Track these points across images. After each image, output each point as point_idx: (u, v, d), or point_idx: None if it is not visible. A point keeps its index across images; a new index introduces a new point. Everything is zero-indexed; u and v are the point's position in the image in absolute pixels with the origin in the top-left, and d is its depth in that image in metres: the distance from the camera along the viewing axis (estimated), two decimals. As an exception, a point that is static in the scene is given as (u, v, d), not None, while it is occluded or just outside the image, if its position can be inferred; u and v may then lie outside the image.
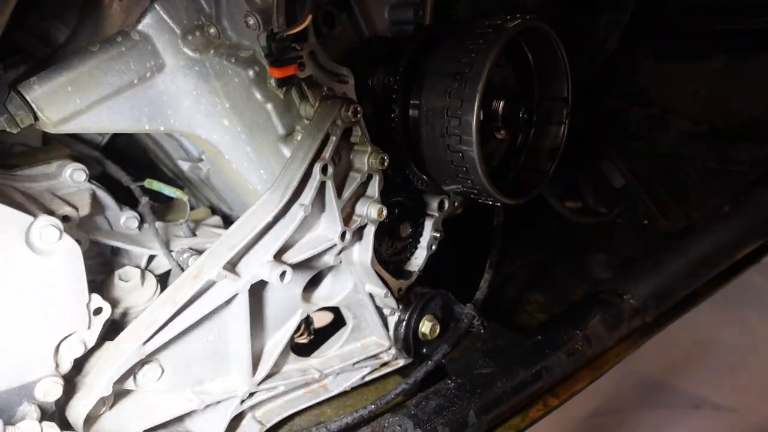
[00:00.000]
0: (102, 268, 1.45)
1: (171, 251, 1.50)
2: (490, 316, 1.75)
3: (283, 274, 1.15)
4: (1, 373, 1.04)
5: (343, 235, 1.27)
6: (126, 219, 1.55)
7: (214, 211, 1.91)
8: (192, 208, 1.94)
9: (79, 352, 1.14)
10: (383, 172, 1.32)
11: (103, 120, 1.25)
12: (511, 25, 1.29)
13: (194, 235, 1.66)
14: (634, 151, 2.02)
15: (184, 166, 1.77)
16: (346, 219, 1.29)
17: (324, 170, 1.18)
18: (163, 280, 1.50)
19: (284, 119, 1.32)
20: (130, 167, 1.73)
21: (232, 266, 1.18)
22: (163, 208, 1.84)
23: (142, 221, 1.59)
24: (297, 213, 1.17)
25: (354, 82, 1.28)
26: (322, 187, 1.20)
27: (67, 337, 1.12)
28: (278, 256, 1.20)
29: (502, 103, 1.38)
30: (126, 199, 1.62)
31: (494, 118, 1.39)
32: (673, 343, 2.75)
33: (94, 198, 1.47)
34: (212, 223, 1.77)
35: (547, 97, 1.58)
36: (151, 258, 1.52)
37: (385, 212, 1.31)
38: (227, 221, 1.89)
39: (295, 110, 1.33)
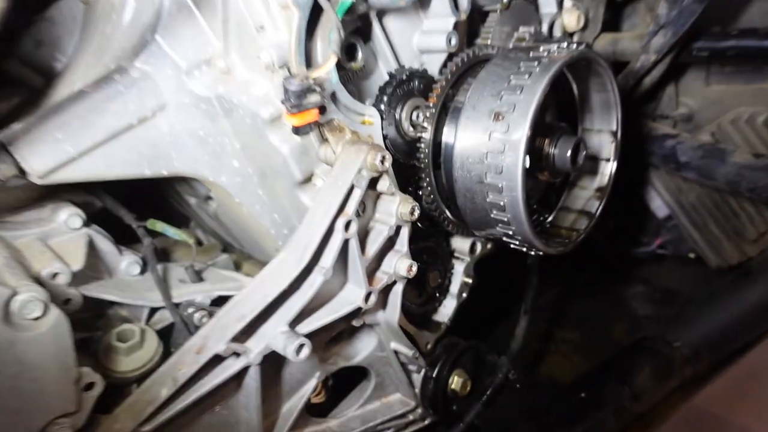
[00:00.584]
0: (96, 323, 1.31)
1: (176, 304, 1.36)
2: (521, 359, 1.59)
3: (300, 347, 1.00)
4: (-22, 470, 0.90)
5: (367, 297, 1.11)
6: (127, 265, 1.41)
7: (224, 245, 1.78)
8: (200, 244, 1.81)
9: (68, 436, 1.00)
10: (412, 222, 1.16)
11: (98, 167, 1.11)
12: (560, 57, 1.12)
13: (201, 279, 1.52)
14: (681, 180, 1.85)
15: (191, 200, 1.63)
16: (371, 277, 1.14)
17: (347, 227, 1.03)
18: (166, 334, 1.36)
19: (302, 164, 1.17)
20: (133, 198, 1.60)
21: (241, 336, 1.03)
22: (168, 243, 1.71)
23: (144, 264, 1.45)
24: (316, 278, 1.02)
25: (380, 123, 1.13)
26: (344, 244, 1.05)
27: (51, 421, 0.98)
28: (294, 324, 1.05)
29: (546, 142, 1.21)
30: (125, 234, 1.49)
31: (537, 158, 1.22)
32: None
33: (91, 245, 1.34)
34: (221, 265, 1.63)
35: (592, 130, 1.42)
36: (153, 310, 1.38)
37: (415, 269, 1.16)
38: (239, 253, 1.75)
39: (314, 153, 1.18)
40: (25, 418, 0.93)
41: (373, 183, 1.10)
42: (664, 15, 1.41)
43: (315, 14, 1.00)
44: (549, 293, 2.23)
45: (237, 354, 1.05)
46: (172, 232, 1.46)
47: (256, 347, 1.04)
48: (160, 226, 1.47)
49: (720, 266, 1.90)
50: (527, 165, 1.09)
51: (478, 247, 1.49)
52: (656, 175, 1.94)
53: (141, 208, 1.60)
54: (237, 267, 1.71)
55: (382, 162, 1.03)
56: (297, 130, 1.02)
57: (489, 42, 1.38)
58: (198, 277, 1.50)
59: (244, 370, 1.07)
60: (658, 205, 2.00)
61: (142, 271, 1.44)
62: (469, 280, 1.47)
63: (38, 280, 1.06)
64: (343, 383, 1.48)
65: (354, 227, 1.04)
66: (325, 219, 1.01)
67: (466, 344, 1.47)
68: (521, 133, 1.07)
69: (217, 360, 1.03)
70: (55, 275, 1.14)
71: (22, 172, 1.02)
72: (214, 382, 1.04)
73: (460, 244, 1.47)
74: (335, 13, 0.91)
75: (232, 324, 1.00)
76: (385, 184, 1.10)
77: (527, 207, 1.12)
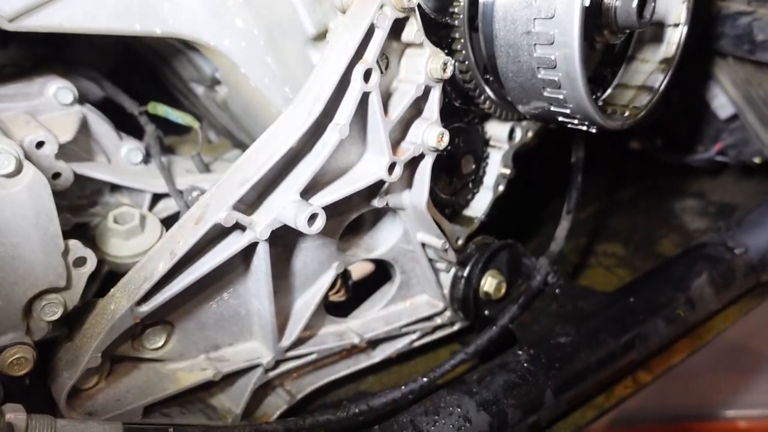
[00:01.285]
0: (94, 209, 1.20)
1: (180, 191, 1.23)
2: (561, 266, 1.43)
3: (312, 217, 0.86)
4: (-46, 340, 0.81)
5: (391, 168, 0.95)
6: (128, 151, 1.29)
7: (236, 144, 1.64)
8: (210, 143, 1.68)
9: (57, 314, 0.90)
10: (444, 84, 0.99)
11: (77, 15, 0.96)
12: None
13: (208, 170, 1.39)
14: (752, 69, 1.60)
15: (199, 90, 1.48)
16: (395, 147, 0.98)
17: (366, 76, 0.86)
18: (170, 223, 1.25)
19: (314, 14, 1.00)
20: (136, 95, 1.45)
21: (246, 207, 0.90)
22: (175, 141, 1.58)
23: (147, 156, 1.33)
24: (330, 136, 0.86)
25: (406, -42, 0.93)
26: (363, 100, 0.88)
27: (39, 294, 0.87)
28: (306, 195, 0.91)
29: (608, -11, 1.00)
30: (128, 128, 1.36)
31: (596, 13, 1.02)
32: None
33: (85, 125, 1.21)
34: (230, 157, 1.50)
35: (660, -13, 1.19)
36: (157, 199, 1.26)
37: (446, 138, 0.99)
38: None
39: (328, 2, 1.00)
40: (7, 288, 0.82)
41: (397, 31, 0.92)
42: None
43: None
44: (591, 207, 2.05)
45: (242, 229, 0.92)
46: (175, 115, 1.33)
47: (263, 220, 0.90)
48: (161, 109, 1.34)
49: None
50: (586, 3, 0.89)
51: (518, 134, 1.30)
52: (721, 67, 1.69)
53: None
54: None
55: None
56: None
57: None
58: (206, 167, 1.37)
59: (251, 249, 0.94)
60: (721, 103, 1.75)
61: (145, 161, 1.32)
62: (507, 171, 1.30)
63: (21, 147, 0.93)
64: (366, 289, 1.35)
65: (375, 78, 0.87)
66: (339, 64, 0.84)
67: (501, 243, 1.31)
68: (581, -38, 0.86)
69: (220, 233, 0.90)
70: (40, 144, 1.01)
71: (-11, 14, 0.87)
72: (217, 258, 0.91)
73: (498, 129, 1.29)
74: None
75: (235, 189, 0.86)
76: (412, 30, 0.91)
77: (584, 62, 0.93)
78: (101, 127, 1.25)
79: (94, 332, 0.91)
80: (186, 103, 1.61)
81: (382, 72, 0.92)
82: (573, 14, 0.89)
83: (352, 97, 0.85)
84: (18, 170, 0.81)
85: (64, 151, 1.08)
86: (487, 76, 1.15)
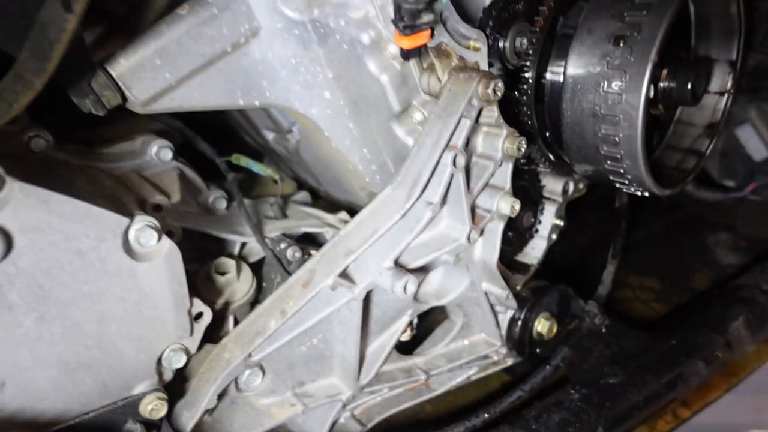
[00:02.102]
0: (192, 255, 1.33)
1: (266, 237, 1.36)
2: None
3: (407, 284, 0.98)
4: (104, 390, 0.94)
5: (470, 236, 1.07)
6: (214, 199, 1.42)
7: (299, 182, 1.76)
8: (275, 182, 1.80)
9: (182, 362, 1.03)
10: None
11: (194, 96, 1.08)
12: (693, -29, 1.00)
13: (285, 215, 1.51)
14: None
15: (269, 135, 1.60)
16: (471, 214, 1.10)
17: (455, 161, 0.98)
18: (256, 268, 1.38)
19: (400, 93, 1.11)
20: (207, 134, 1.58)
21: (345, 273, 1.02)
22: (246, 181, 1.71)
23: (229, 199, 1.46)
24: (424, 213, 0.98)
25: (487, 48, 1.05)
26: (450, 180, 1.00)
27: (169, 346, 1.01)
28: (398, 260, 1.03)
29: (664, 73, 1.11)
30: (205, 172, 1.48)
31: (653, 89, 1.12)
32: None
33: (181, 178, 1.34)
34: (300, 200, 1.62)
35: (707, 58, 1.30)
36: (243, 244, 1.39)
37: (518, 207, 1.11)
38: (314, 195, 1.74)
39: (413, 82, 1.12)
40: (147, 344, 0.96)
41: (479, 114, 1.03)
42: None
43: (427, -75, 0.91)
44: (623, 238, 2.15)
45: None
46: (258, 167, 1.45)
47: (361, 282, 1.02)
48: (244, 161, 1.46)
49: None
50: (651, 94, 1.00)
51: (571, 187, 1.42)
52: (757, 111, 1.79)
53: (212, 142, 1.60)
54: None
55: (495, 91, 0.96)
56: (406, 54, 0.95)
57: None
58: (283, 214, 1.49)
59: (346, 304, 1.07)
60: (756, 145, 1.85)
61: (227, 207, 1.45)
62: (560, 222, 1.42)
63: (143, 211, 1.06)
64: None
65: (462, 161, 0.99)
66: (434, 152, 0.96)
67: (553, 287, 1.43)
68: (647, 57, 0.98)
69: (322, 294, 1.03)
70: (158, 207, 1.14)
71: (124, 101, 1.00)
72: (319, 316, 1.04)
73: (553, 184, 1.41)
74: None
75: (340, 259, 0.98)
76: (492, 115, 1.03)
77: (645, 143, 1.04)
78: (193, 179, 1.38)
79: (211, 377, 1.05)
80: (250, 142, 1.74)
81: (465, 147, 1.04)
82: (638, 103, 1.00)
83: (443, 179, 0.97)
84: (158, 243, 0.94)
85: (173, 209, 1.21)
86: (547, 135, 1.26)
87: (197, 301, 1.03)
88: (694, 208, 2.23)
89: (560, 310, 1.47)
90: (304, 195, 1.65)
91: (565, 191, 1.41)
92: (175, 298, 0.98)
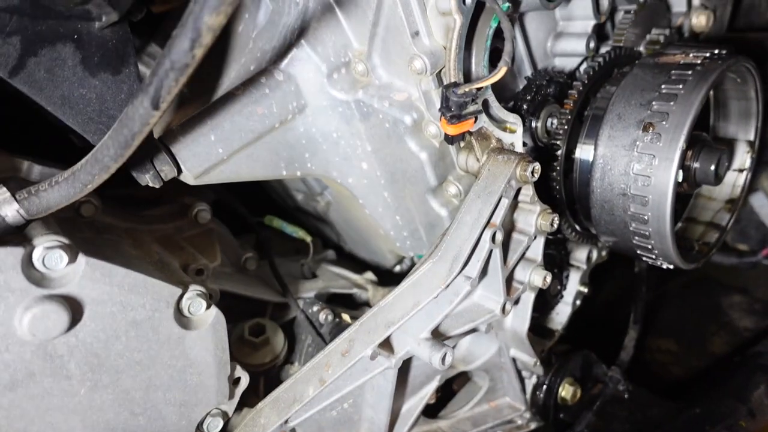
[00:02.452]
0: (226, 316, 1.36)
1: (298, 299, 1.39)
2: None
3: (444, 356, 1.01)
4: (147, 457, 0.96)
5: (504, 307, 1.11)
6: (246, 259, 1.46)
7: (323, 238, 1.80)
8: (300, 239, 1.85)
9: (219, 427, 1.05)
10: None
11: (242, 168, 1.14)
12: (715, 66, 1.07)
13: (314, 275, 1.55)
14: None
15: (299, 196, 1.66)
16: (507, 287, 1.13)
17: (494, 238, 1.02)
18: (286, 328, 1.40)
19: (438, 169, 1.17)
20: (234, 189, 1.64)
21: (384, 342, 1.05)
22: (273, 238, 1.75)
23: (260, 258, 1.50)
24: (462, 287, 1.02)
25: (522, 130, 1.11)
26: (488, 255, 1.04)
27: (209, 412, 1.02)
28: (434, 331, 1.06)
29: (690, 154, 1.17)
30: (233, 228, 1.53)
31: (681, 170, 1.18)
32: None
33: (218, 239, 1.38)
34: (329, 259, 1.66)
35: (725, 138, 1.36)
36: (275, 304, 1.42)
37: (549, 279, 1.14)
38: (337, 250, 1.78)
39: (450, 159, 1.18)
40: (189, 409, 0.98)
41: (516, 192, 1.08)
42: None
43: (472, 21, 0.99)
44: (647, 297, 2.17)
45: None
46: (290, 229, 1.50)
47: (398, 353, 1.05)
48: (277, 222, 1.51)
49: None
50: (679, 179, 1.05)
51: (594, 255, 1.46)
52: (770, 181, 1.84)
53: (242, 199, 1.65)
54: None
55: (533, 173, 1.02)
56: (451, 139, 1.01)
57: (621, 44, 1.33)
58: (312, 273, 1.53)
59: (381, 372, 1.09)
60: (769, 213, 1.90)
61: (258, 265, 1.49)
62: (584, 289, 1.45)
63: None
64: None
65: (500, 238, 1.03)
66: (474, 230, 1.00)
67: (577, 352, 1.45)
68: (675, 145, 1.03)
69: (360, 362, 1.05)
70: (199, 271, 1.18)
71: (179, 173, 1.05)
72: (356, 383, 1.06)
73: (577, 252, 1.45)
74: (509, 21, 0.89)
75: (380, 329, 1.01)
76: (528, 194, 1.08)
77: (673, 222, 1.09)
78: (228, 240, 1.43)
79: (248, 443, 1.06)
80: (277, 198, 1.79)
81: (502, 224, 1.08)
82: (667, 186, 1.05)
83: (482, 255, 1.01)
84: (207, 310, 0.97)
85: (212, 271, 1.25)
86: (575, 207, 1.30)
87: (236, 366, 1.06)
88: (707, 268, 2.26)
89: (583, 375, 1.48)
90: (331, 253, 1.69)
91: (589, 259, 1.45)
92: (218, 365, 1.00)
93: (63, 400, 0.86)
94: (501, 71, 0.89)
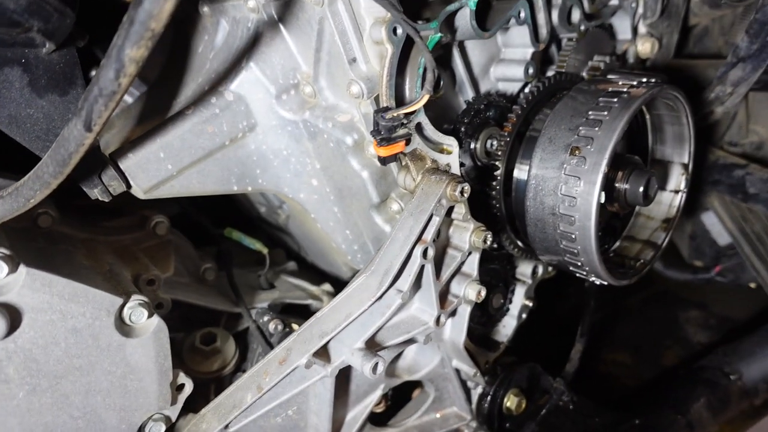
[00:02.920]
0: (179, 324, 1.41)
1: (251, 308, 1.44)
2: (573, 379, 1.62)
3: (375, 365, 1.06)
4: (87, 459, 1.00)
5: (438, 319, 1.16)
6: (205, 270, 1.51)
7: (288, 250, 1.86)
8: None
9: (162, 430, 1.09)
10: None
11: (192, 184, 1.20)
12: (639, 93, 1.14)
13: (272, 286, 1.60)
14: (747, 208, 1.82)
15: (262, 209, 1.71)
16: (441, 300, 1.19)
17: (425, 253, 1.08)
18: (240, 337, 1.45)
19: (379, 187, 1.22)
20: (204, 202, 1.69)
21: (321, 351, 1.10)
22: (237, 247, 1.80)
23: (219, 269, 1.55)
24: (394, 300, 1.07)
25: (458, 152, 1.17)
26: (420, 270, 1.10)
27: (150, 416, 1.07)
28: (370, 342, 1.11)
29: (619, 176, 1.23)
30: (197, 239, 1.58)
31: (609, 191, 1.24)
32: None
33: (176, 250, 1.43)
34: (289, 270, 1.71)
35: (663, 160, 1.43)
36: (230, 314, 1.47)
37: (483, 293, 1.20)
38: (301, 262, 1.83)
39: (392, 177, 1.23)
40: (130, 414, 1.02)
41: (449, 211, 1.14)
42: (744, 48, 1.40)
43: (405, 49, 1.05)
44: (600, 312, 2.23)
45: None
46: (248, 241, 1.55)
47: (333, 362, 1.10)
48: (236, 234, 1.57)
49: (782, 299, 1.86)
50: (602, 200, 1.11)
51: (540, 271, 1.51)
52: (720, 202, 1.91)
53: (206, 209, 1.71)
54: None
55: (462, 193, 1.08)
56: (383, 160, 1.07)
57: (564, 69, 1.40)
58: (269, 284, 1.58)
59: (319, 380, 1.14)
60: (719, 231, 1.97)
61: (217, 276, 1.54)
62: (530, 303, 1.50)
63: (137, 286, 1.15)
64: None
65: (431, 253, 1.09)
66: (405, 246, 1.06)
67: (522, 364, 1.50)
68: (598, 168, 1.09)
69: (298, 370, 1.10)
70: (151, 281, 1.23)
71: (128, 188, 1.11)
72: (293, 391, 1.11)
73: (523, 267, 1.50)
74: (430, 53, 0.95)
75: (315, 339, 1.06)
76: (460, 212, 1.14)
77: (598, 241, 1.15)
78: (187, 251, 1.48)
79: (189, 448, 1.11)
80: (244, 212, 1.85)
81: (434, 240, 1.14)
82: (590, 206, 1.11)
83: (413, 270, 1.07)
84: (148, 319, 1.02)
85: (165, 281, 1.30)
86: (518, 230, 1.36)
87: (179, 372, 1.10)
88: (667, 283, 2.33)
89: (530, 386, 1.53)
90: (292, 265, 1.74)
91: (534, 273, 1.50)
92: (160, 371, 1.05)
93: (1, 403, 0.91)
94: (423, 99, 0.95)
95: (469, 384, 1.46)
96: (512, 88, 1.35)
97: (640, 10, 1.54)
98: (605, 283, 1.30)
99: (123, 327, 1.00)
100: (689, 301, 2.24)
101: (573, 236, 1.16)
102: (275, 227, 1.77)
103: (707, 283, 2.07)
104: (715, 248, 2.04)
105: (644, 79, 1.20)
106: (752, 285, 1.97)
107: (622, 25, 1.55)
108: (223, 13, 1.27)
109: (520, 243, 1.38)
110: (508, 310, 1.50)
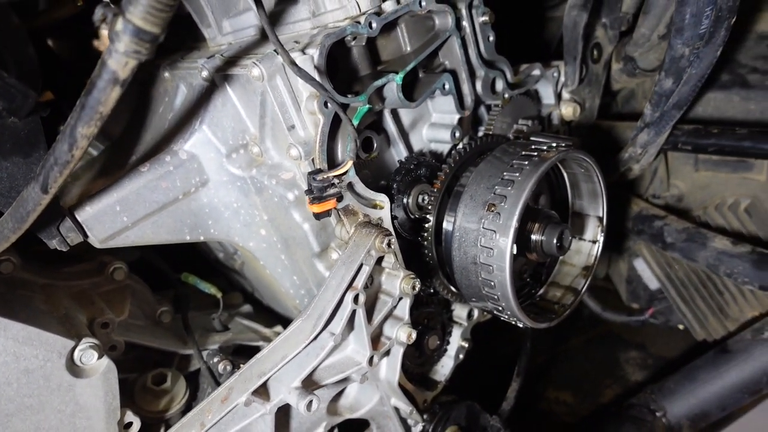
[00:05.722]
0: (133, 365, 1.49)
1: (203, 350, 1.53)
2: (515, 415, 1.71)
3: (310, 403, 1.16)
4: (32, 495, 1.07)
5: (371, 360, 1.27)
6: (161, 312, 1.59)
7: (245, 294, 1.95)
8: (223, 291, 1.99)
9: (107, 469, 1.16)
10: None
11: (146, 234, 1.31)
12: (548, 156, 1.30)
13: (227, 328, 1.69)
14: (670, 257, 1.98)
15: (219, 254, 1.82)
16: (375, 341, 1.30)
17: (356, 300, 1.19)
18: (192, 378, 1.53)
19: (320, 238, 1.35)
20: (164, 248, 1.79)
21: (260, 389, 1.19)
22: (193, 290, 1.89)
23: (175, 311, 1.64)
24: (327, 341, 1.18)
25: (390, 207, 1.31)
26: (352, 314, 1.21)
27: (96, 454, 1.14)
28: (306, 381, 1.21)
29: (536, 228, 1.38)
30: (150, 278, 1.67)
31: (526, 241, 1.39)
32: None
33: (134, 294, 1.52)
34: (244, 313, 1.81)
35: (581, 213, 1.58)
36: (182, 355, 1.55)
37: (414, 336, 1.31)
38: (258, 305, 1.92)
39: (331, 229, 1.36)
40: (75, 451, 1.10)
41: (380, 260, 1.27)
42: (648, 115, 1.59)
43: (337, 119, 1.20)
44: (545, 354, 2.36)
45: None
46: (203, 285, 1.65)
47: (272, 400, 1.19)
48: (192, 279, 1.66)
49: (705, 340, 2.01)
50: (515, 251, 1.25)
51: (475, 314, 1.64)
52: (648, 250, 2.07)
53: (169, 253, 1.81)
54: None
55: (389, 245, 1.21)
56: (317, 216, 1.20)
57: (491, 131, 1.56)
58: (223, 326, 1.67)
59: (259, 418, 1.23)
60: (650, 277, 2.13)
61: (173, 318, 1.63)
62: (466, 344, 1.62)
63: (91, 329, 1.24)
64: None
65: (362, 299, 1.21)
66: (337, 292, 1.18)
67: (461, 402, 1.60)
68: (510, 223, 1.24)
69: (239, 408, 1.19)
70: (105, 325, 1.32)
71: (85, 238, 1.21)
72: (235, 428, 1.19)
73: (459, 310, 1.62)
74: (353, 126, 1.10)
75: (254, 379, 1.16)
76: (390, 261, 1.27)
77: (514, 288, 1.28)
78: (144, 295, 1.57)
79: (132, 484, 1.17)
80: (204, 256, 1.95)
81: (367, 287, 1.26)
82: (504, 256, 1.25)
83: (345, 314, 1.18)
84: (98, 361, 1.11)
85: (119, 324, 1.38)
86: (450, 276, 1.49)
87: (127, 412, 1.18)
88: (611, 326, 2.46)
89: (469, 424, 1.63)
90: (247, 307, 1.83)
91: (469, 316, 1.62)
92: (108, 410, 1.13)
93: (-47, 440, 0.98)
94: (347, 165, 1.09)
95: (410, 422, 1.55)
96: (442, 147, 1.51)
97: (562, 79, 1.73)
98: (528, 326, 1.43)
99: (73, 368, 1.08)
100: (630, 342, 2.38)
101: (492, 283, 1.29)
102: (233, 271, 1.87)
103: (642, 325, 2.22)
104: (648, 292, 2.20)
105: (554, 144, 1.37)
106: (680, 326, 2.11)
107: (546, 92, 1.74)
108: (182, 79, 1.42)
109: (453, 288, 1.50)
110: (446, 350, 1.61)
